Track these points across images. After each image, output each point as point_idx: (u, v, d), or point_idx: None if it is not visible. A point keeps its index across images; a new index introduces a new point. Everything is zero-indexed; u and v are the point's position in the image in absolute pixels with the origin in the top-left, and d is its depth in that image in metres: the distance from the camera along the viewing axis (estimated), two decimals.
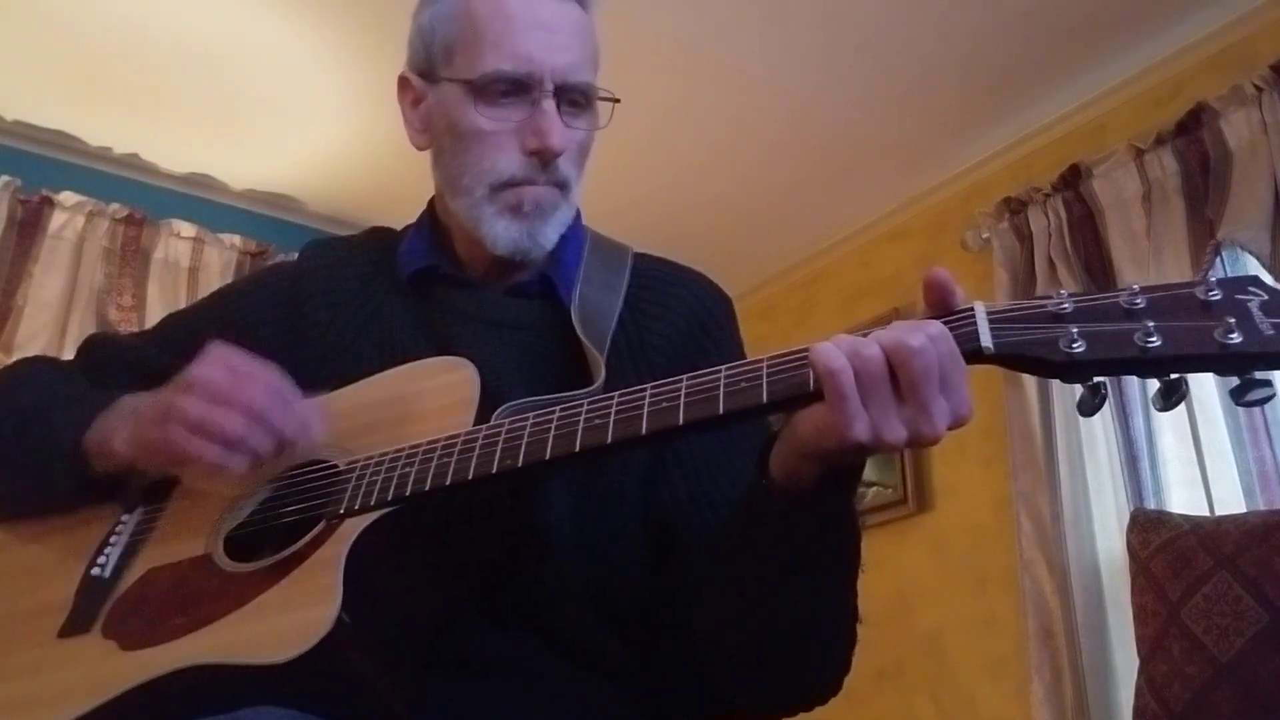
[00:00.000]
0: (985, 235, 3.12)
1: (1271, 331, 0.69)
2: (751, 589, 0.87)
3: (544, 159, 1.05)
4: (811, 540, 0.83)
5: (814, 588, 0.86)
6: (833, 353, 0.74)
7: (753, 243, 3.69)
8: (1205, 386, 2.50)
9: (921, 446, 0.75)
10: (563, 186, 1.08)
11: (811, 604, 0.87)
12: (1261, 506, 2.33)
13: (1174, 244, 2.64)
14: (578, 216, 1.14)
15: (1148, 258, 2.70)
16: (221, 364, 0.94)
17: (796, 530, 0.83)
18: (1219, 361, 0.71)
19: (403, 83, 1.14)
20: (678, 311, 1.10)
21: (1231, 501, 2.39)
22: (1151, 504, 2.54)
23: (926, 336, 0.73)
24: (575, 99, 1.07)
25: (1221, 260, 2.56)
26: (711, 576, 0.92)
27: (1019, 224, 3.05)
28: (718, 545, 0.92)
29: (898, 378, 0.73)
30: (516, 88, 1.05)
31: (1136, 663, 2.04)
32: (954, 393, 0.74)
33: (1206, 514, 2.33)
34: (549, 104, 1.04)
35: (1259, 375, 0.70)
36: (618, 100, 1.10)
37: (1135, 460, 2.62)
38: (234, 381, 0.92)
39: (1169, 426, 2.60)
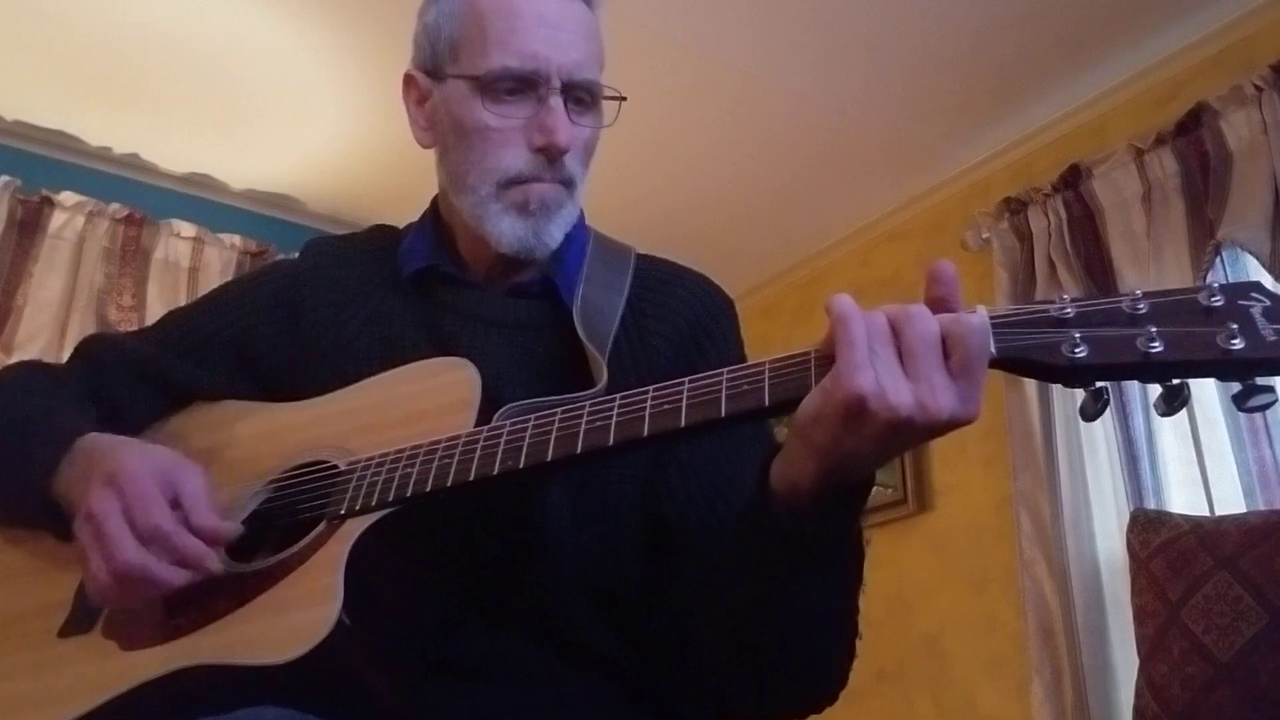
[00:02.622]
0: (985, 235, 3.12)
1: (1274, 337, 0.69)
2: (748, 604, 0.87)
3: (550, 156, 1.05)
4: (811, 559, 0.82)
5: (809, 605, 0.85)
6: (848, 301, 0.76)
7: (753, 243, 3.69)
8: (1205, 387, 2.48)
9: (930, 425, 0.73)
10: (568, 184, 1.07)
11: (808, 619, 0.86)
12: (1261, 506, 2.32)
13: (1174, 244, 2.64)
14: (581, 217, 1.13)
15: (1148, 258, 2.70)
16: (118, 495, 0.89)
17: (797, 551, 0.82)
18: (1221, 367, 0.70)
19: (408, 80, 1.13)
20: (679, 313, 1.10)
21: (1231, 501, 2.39)
22: (1151, 504, 2.53)
23: (926, 309, 0.74)
24: (581, 97, 1.07)
25: (1221, 260, 2.56)
26: (709, 588, 0.92)
27: (1019, 224, 3.05)
28: (715, 558, 0.91)
29: (900, 342, 0.74)
30: (523, 85, 1.04)
31: (1136, 663, 2.04)
32: (963, 378, 0.73)
33: (1206, 514, 2.33)
34: (556, 101, 1.04)
35: (1261, 381, 0.70)
36: (624, 99, 1.09)
37: (1135, 460, 2.62)
38: (119, 522, 0.88)
39: (1169, 427, 2.60)
